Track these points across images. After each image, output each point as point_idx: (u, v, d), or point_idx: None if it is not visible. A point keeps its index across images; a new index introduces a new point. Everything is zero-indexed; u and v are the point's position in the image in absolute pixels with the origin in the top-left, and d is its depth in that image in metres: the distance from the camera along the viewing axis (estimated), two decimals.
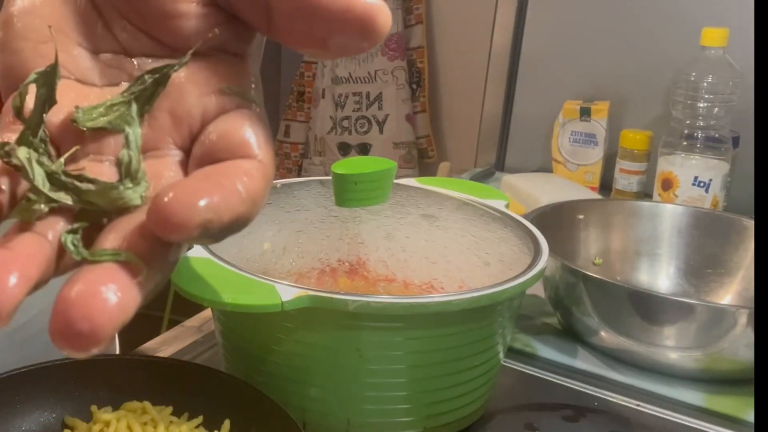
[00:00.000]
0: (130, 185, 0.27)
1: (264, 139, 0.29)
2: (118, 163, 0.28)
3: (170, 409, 0.59)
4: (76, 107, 0.29)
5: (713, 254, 0.90)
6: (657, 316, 0.73)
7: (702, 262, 0.90)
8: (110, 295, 0.24)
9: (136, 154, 0.28)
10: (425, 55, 2.48)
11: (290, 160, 2.66)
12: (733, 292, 0.87)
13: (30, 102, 0.28)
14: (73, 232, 0.26)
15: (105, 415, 0.58)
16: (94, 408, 0.59)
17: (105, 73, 0.30)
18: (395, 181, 0.71)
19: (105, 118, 0.28)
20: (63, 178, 0.27)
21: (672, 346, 0.73)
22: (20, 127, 0.28)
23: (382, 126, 2.50)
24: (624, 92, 1.36)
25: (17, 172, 0.27)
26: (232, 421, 0.58)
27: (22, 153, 0.27)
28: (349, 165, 0.66)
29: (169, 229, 0.25)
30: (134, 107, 0.29)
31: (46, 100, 0.28)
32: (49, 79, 0.28)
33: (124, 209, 0.27)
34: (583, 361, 0.78)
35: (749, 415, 0.71)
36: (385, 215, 0.77)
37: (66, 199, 0.27)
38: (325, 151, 2.55)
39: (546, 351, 0.79)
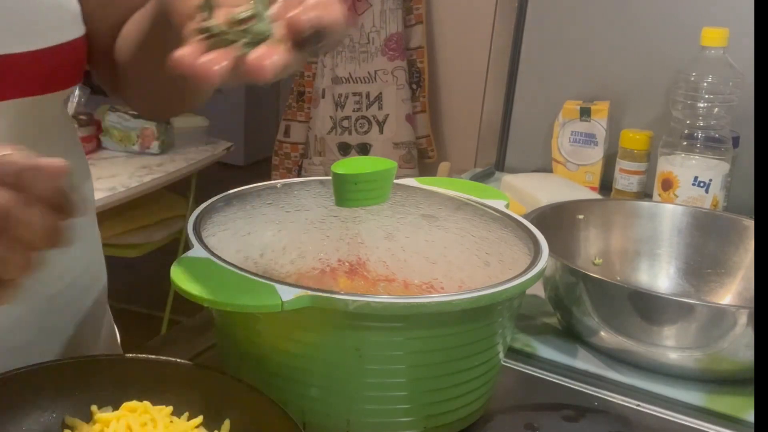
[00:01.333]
0: (267, 23, 0.49)
1: None
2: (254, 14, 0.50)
3: (170, 409, 0.59)
4: None
5: (713, 254, 0.90)
6: (657, 316, 0.73)
7: (702, 262, 0.90)
8: (269, 54, 0.47)
9: (261, 7, 0.50)
10: (425, 55, 2.48)
11: (290, 160, 2.66)
12: (733, 292, 0.87)
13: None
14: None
15: (105, 415, 0.58)
16: (94, 408, 0.59)
17: None
18: (395, 181, 0.71)
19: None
20: (231, 29, 0.49)
21: (672, 346, 0.73)
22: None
23: (382, 126, 2.50)
24: (624, 92, 1.36)
25: (210, 36, 0.49)
26: (232, 421, 0.58)
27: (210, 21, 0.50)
28: (349, 165, 0.66)
29: (294, 26, 0.48)
30: None
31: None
32: None
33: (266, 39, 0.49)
34: (583, 361, 0.78)
35: (749, 415, 0.71)
36: (385, 215, 0.77)
37: (235, 36, 0.49)
38: (325, 151, 2.55)
39: (546, 351, 0.79)
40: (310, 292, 0.55)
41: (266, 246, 0.75)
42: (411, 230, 0.77)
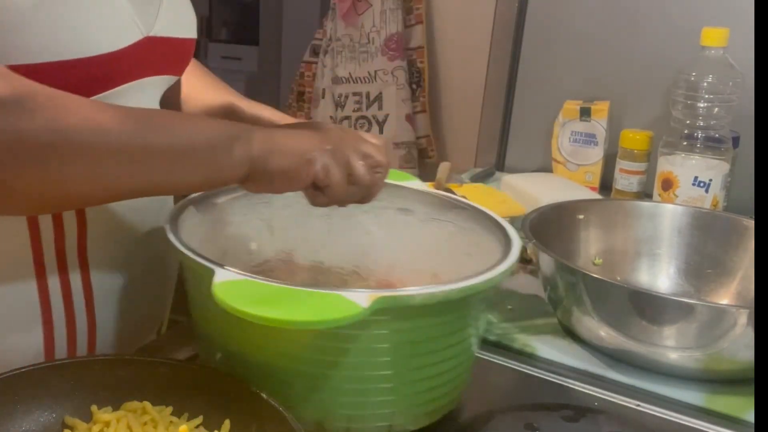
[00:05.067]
0: None
1: None
2: None
3: (170, 409, 0.59)
4: None
5: (713, 254, 0.90)
6: (657, 316, 0.73)
7: (702, 262, 0.90)
8: None
9: None
10: (425, 55, 2.47)
11: None
12: (733, 292, 0.87)
13: None
14: None
15: (105, 415, 0.58)
16: (94, 408, 0.59)
17: None
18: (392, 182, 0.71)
19: None
20: None
21: (672, 346, 0.73)
22: None
23: (382, 126, 2.50)
24: (624, 92, 1.36)
25: None
26: (232, 421, 0.58)
27: None
28: None
29: None
30: None
31: None
32: None
33: None
34: (583, 361, 0.78)
35: (749, 415, 0.71)
36: (364, 210, 0.76)
37: None
38: None
39: (546, 351, 0.79)
40: (380, 294, 0.54)
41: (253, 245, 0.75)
42: (388, 225, 0.77)
